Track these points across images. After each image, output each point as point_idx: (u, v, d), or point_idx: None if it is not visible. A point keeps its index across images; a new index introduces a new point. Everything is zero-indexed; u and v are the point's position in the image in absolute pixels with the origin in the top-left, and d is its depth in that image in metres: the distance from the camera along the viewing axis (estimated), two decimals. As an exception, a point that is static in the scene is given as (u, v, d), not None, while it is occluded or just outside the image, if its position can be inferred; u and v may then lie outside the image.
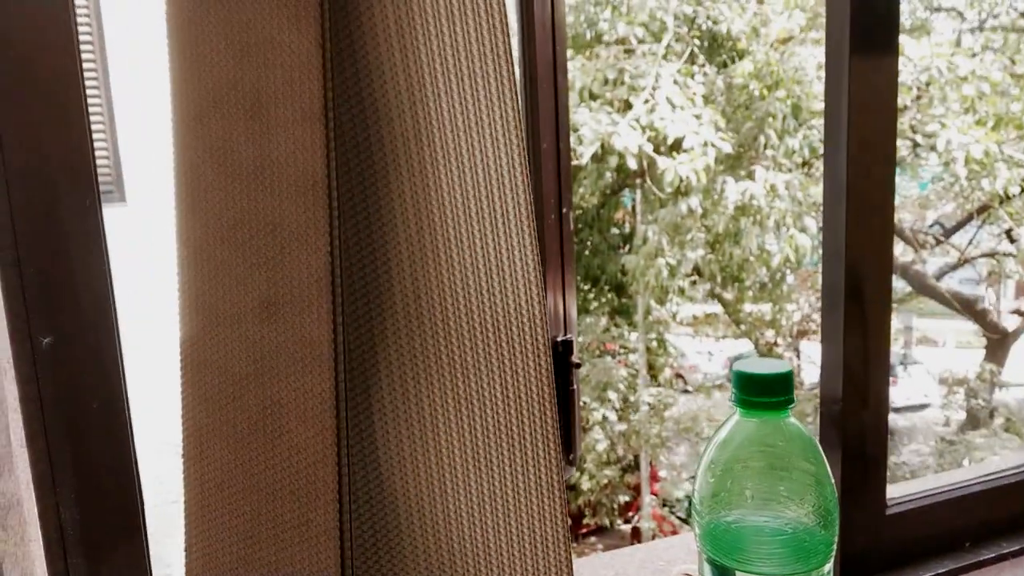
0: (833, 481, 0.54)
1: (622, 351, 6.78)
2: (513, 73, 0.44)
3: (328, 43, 0.42)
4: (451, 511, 0.45)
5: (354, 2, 0.43)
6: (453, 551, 0.45)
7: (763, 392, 0.53)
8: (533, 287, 0.45)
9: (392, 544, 0.45)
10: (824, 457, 0.55)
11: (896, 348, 7.67)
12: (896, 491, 0.88)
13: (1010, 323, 6.61)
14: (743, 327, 6.75)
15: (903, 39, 5.16)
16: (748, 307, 6.51)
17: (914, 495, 0.89)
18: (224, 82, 0.44)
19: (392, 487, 0.44)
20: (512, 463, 0.46)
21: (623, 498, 6.34)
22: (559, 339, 1.17)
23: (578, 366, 1.20)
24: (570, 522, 0.48)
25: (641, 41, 5.42)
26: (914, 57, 4.97)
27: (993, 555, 0.89)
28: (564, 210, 1.16)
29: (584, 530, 6.40)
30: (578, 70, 5.52)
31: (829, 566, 0.54)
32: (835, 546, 0.54)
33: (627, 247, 6.39)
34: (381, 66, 0.43)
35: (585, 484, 6.02)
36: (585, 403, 6.09)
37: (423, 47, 0.43)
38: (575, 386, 1.19)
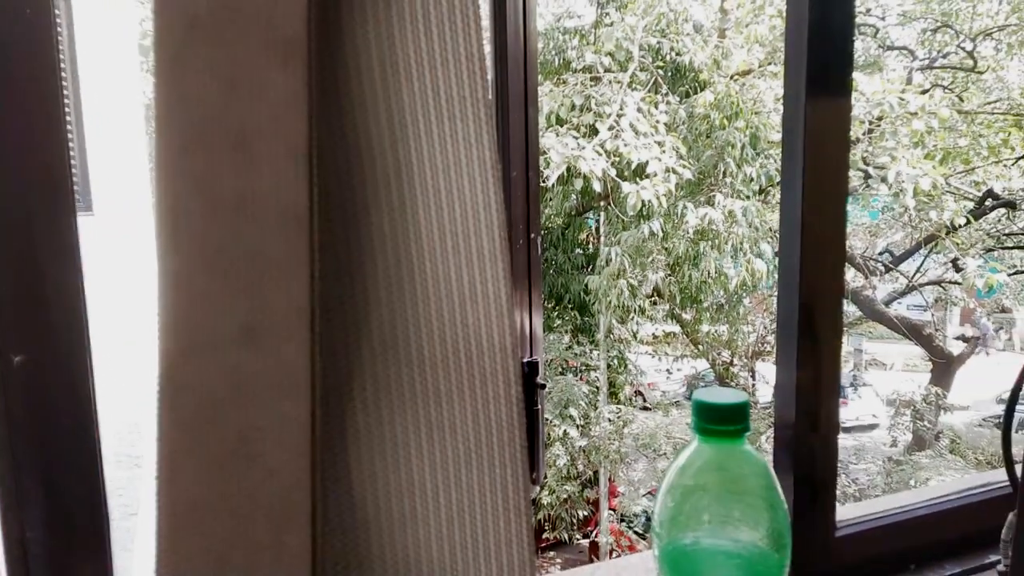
0: (785, 506, 0.57)
1: (584, 368, 6.84)
2: (491, 115, 0.46)
3: (314, 81, 0.44)
4: (421, 534, 0.46)
5: (340, 44, 0.45)
6: (422, 573, 0.47)
7: (721, 420, 0.56)
8: (505, 319, 0.47)
9: (363, 566, 0.46)
10: (777, 483, 0.58)
11: (846, 370, 7.88)
12: (845, 513, 0.92)
13: (955, 348, 6.84)
14: (701, 347, 6.86)
15: (857, 75, 5.35)
16: (706, 327, 6.62)
17: (862, 518, 0.93)
18: (210, 116, 0.46)
19: (364, 510, 0.46)
20: (481, 487, 0.47)
21: (582, 513, 6.37)
22: (525, 360, 1.19)
23: (543, 387, 1.22)
24: (535, 547, 0.50)
25: (608, 70, 5.53)
26: (867, 92, 5.16)
27: (936, 576, 0.93)
28: (532, 235, 1.19)
29: (543, 544, 6.41)
30: (546, 95, 5.61)
31: (781, 587, 0.57)
32: (787, 569, 0.57)
33: (590, 267, 6.47)
34: (364, 105, 0.45)
35: (545, 499, 6.03)
36: (547, 419, 6.11)
37: (405, 88, 0.45)
38: (540, 406, 1.21)
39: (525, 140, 1.14)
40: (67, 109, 0.61)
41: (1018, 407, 0.74)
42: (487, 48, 1.16)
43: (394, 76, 0.45)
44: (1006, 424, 0.78)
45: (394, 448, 0.46)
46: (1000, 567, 0.76)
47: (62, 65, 0.62)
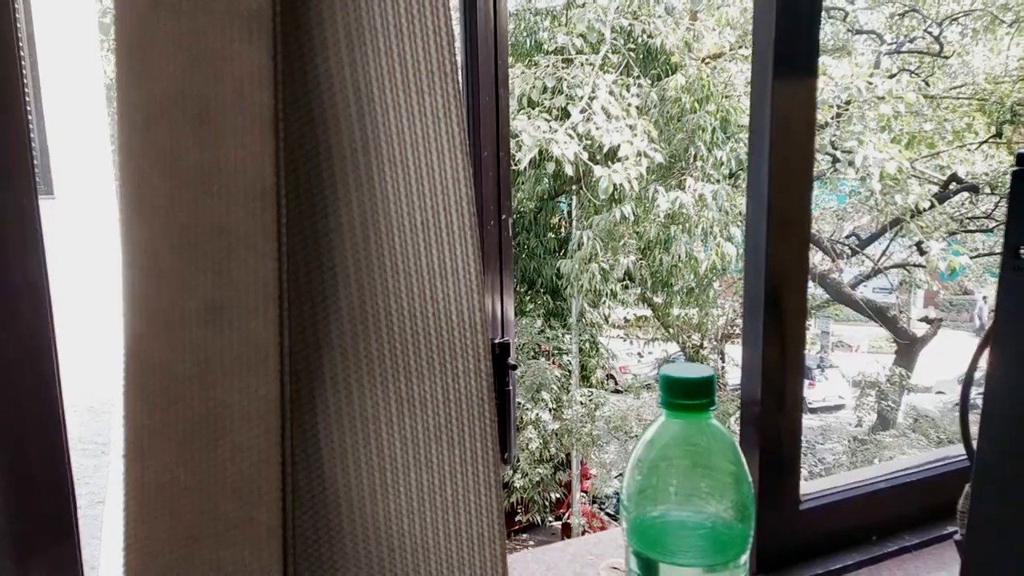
0: (750, 478, 0.58)
1: (556, 352, 6.87)
2: (459, 90, 0.46)
3: (279, 54, 0.43)
4: (391, 508, 0.47)
5: (306, 16, 0.44)
6: (393, 547, 0.47)
7: (687, 395, 0.57)
8: (475, 294, 0.47)
9: (334, 541, 0.46)
10: (742, 456, 0.59)
11: (814, 352, 8.03)
12: (809, 488, 0.94)
13: (919, 329, 7.00)
14: (671, 330, 6.94)
15: (826, 59, 5.41)
16: (676, 311, 6.69)
17: (825, 492, 0.95)
18: (173, 89, 0.45)
19: (335, 486, 0.46)
20: (451, 462, 0.48)
21: (555, 495, 6.43)
22: (496, 341, 1.20)
23: (514, 368, 1.23)
24: (504, 519, 0.50)
25: (579, 52, 5.52)
26: (836, 77, 5.22)
27: (896, 548, 0.95)
28: (503, 216, 1.19)
29: (516, 527, 6.46)
30: (518, 78, 5.58)
31: (745, 557, 0.58)
32: (751, 539, 0.58)
33: (563, 251, 6.49)
34: (331, 79, 0.45)
35: (518, 482, 6.07)
36: (519, 403, 6.14)
37: (372, 62, 0.45)
38: (511, 387, 1.22)
39: (496, 121, 1.13)
40: (26, 90, 0.59)
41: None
42: (457, 28, 1.15)
43: (361, 50, 0.44)
44: (963, 399, 0.80)
45: (364, 423, 0.46)
46: (957, 537, 0.78)
47: (20, 45, 0.61)
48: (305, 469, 0.45)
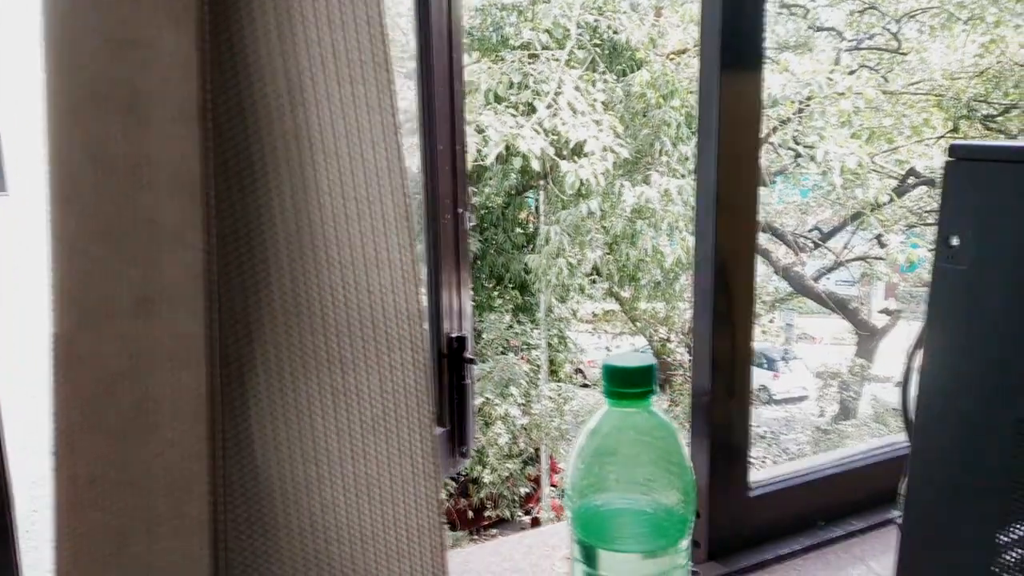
0: (690, 465, 0.59)
1: (525, 347, 6.89)
2: (392, 81, 0.46)
3: (207, 44, 0.43)
4: (327, 500, 0.47)
5: (235, 7, 0.44)
6: (329, 538, 0.47)
7: (628, 383, 0.58)
8: (411, 285, 0.47)
9: (268, 533, 0.46)
10: (682, 443, 0.60)
11: (778, 344, 8.15)
12: (758, 475, 0.96)
13: (879, 321, 7.15)
14: (639, 324, 6.99)
15: (788, 56, 5.48)
16: (643, 305, 6.74)
17: (774, 479, 0.97)
18: (100, 78, 0.44)
19: (268, 478, 0.46)
20: (388, 453, 0.48)
21: (524, 490, 6.45)
22: (454, 335, 1.20)
23: (472, 362, 1.23)
24: (445, 506, 0.50)
25: (545, 47, 5.53)
26: (797, 73, 5.29)
27: (843, 532, 0.98)
28: (460, 210, 1.19)
29: (485, 523, 6.47)
30: (484, 73, 5.57)
31: (686, 542, 0.59)
32: (692, 523, 0.59)
33: (531, 246, 6.50)
34: (261, 69, 0.44)
35: (487, 477, 6.08)
36: (488, 399, 6.14)
37: (303, 52, 0.44)
38: (469, 381, 1.22)
39: (451, 114, 1.13)
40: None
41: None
42: (410, 21, 1.15)
43: (291, 40, 0.44)
44: (904, 387, 0.82)
45: (298, 415, 0.46)
46: (898, 520, 0.80)
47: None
48: (237, 462, 0.45)
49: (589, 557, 0.57)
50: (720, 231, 0.87)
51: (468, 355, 1.21)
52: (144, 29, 0.43)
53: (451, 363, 1.18)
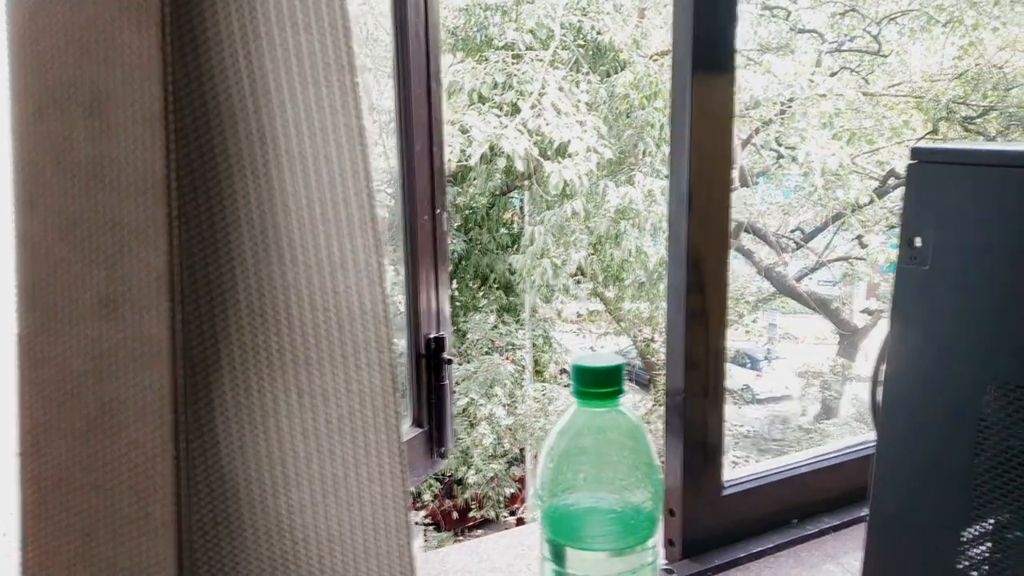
0: (658, 464, 0.60)
1: (509, 348, 6.89)
2: (358, 83, 0.46)
3: (168, 45, 0.43)
4: (294, 501, 0.47)
5: (199, 8, 0.44)
6: (296, 539, 0.47)
7: (595, 383, 0.58)
8: (377, 286, 0.47)
9: (234, 534, 0.46)
10: (650, 442, 0.60)
11: (761, 344, 8.21)
12: (732, 474, 0.97)
13: (860, 321, 7.22)
14: (623, 324, 7.01)
15: (769, 57, 5.52)
16: (628, 305, 6.77)
17: (748, 477, 0.98)
18: (64, 79, 0.44)
19: (234, 479, 0.46)
20: (355, 454, 0.48)
21: (509, 490, 6.45)
22: (432, 336, 1.20)
23: (450, 362, 1.23)
24: (411, 506, 0.51)
25: (529, 48, 5.53)
26: (779, 74, 5.33)
27: (816, 530, 0.99)
28: (437, 211, 1.19)
29: (471, 523, 6.47)
30: (468, 73, 5.57)
31: (654, 540, 0.60)
32: (660, 521, 0.60)
33: (516, 247, 6.50)
34: (225, 71, 0.44)
35: (472, 478, 6.07)
36: (473, 399, 6.14)
37: (267, 55, 0.44)
38: (447, 381, 1.22)
39: (428, 114, 1.13)
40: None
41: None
42: (388, 21, 1.15)
43: (256, 42, 0.44)
44: (873, 386, 0.83)
45: (264, 416, 0.46)
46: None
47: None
48: (203, 463, 0.45)
49: (558, 556, 0.58)
50: (693, 232, 0.88)
51: (446, 356, 1.21)
52: (107, 30, 0.43)
53: (429, 364, 1.18)
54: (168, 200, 0.43)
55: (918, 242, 0.62)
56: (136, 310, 0.43)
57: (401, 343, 1.22)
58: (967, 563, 0.63)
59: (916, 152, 0.62)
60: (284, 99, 0.45)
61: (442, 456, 1.22)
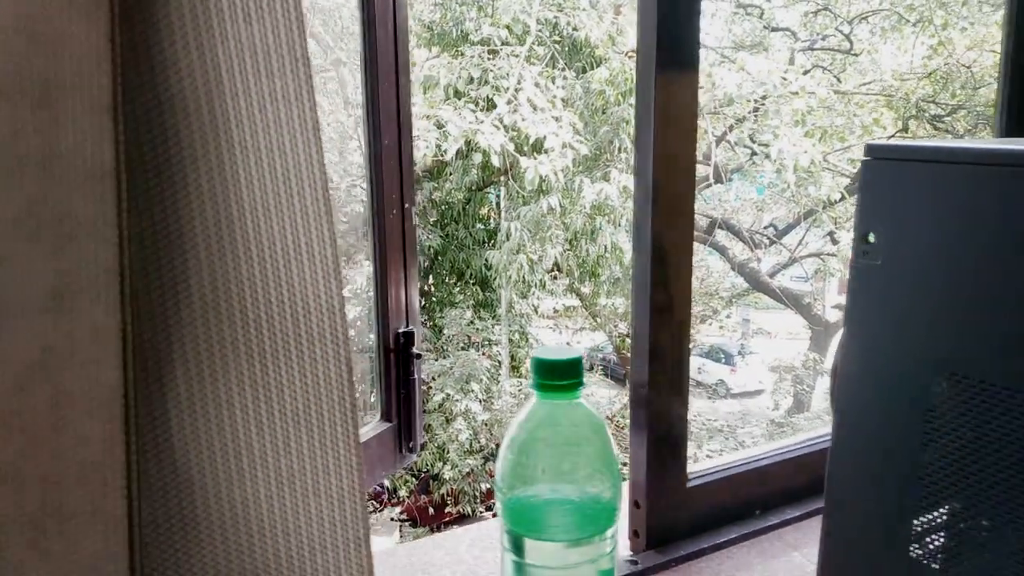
0: (616, 454, 0.61)
1: (486, 343, 6.89)
2: (310, 74, 0.46)
3: (119, 36, 0.42)
4: (249, 494, 0.47)
5: (150, 0, 0.44)
6: (252, 532, 0.47)
7: (555, 375, 0.59)
8: (332, 279, 0.47)
9: (188, 528, 0.46)
10: (609, 434, 0.61)
11: (734, 339, 8.30)
12: (696, 466, 0.98)
13: (832, 316, 7.32)
14: (599, 319, 7.05)
15: (743, 55, 5.57)
16: (603, 300, 6.80)
17: (712, 469, 0.99)
18: (12, 70, 0.44)
19: (188, 473, 0.45)
20: (311, 447, 0.48)
21: (485, 486, 6.46)
22: (401, 331, 1.20)
23: (419, 357, 1.23)
24: (367, 499, 0.51)
25: (505, 43, 5.53)
26: (753, 72, 5.38)
27: (779, 520, 1.00)
28: (406, 205, 1.19)
29: (447, 518, 6.47)
30: (444, 67, 5.55)
31: (612, 530, 0.60)
32: (619, 512, 0.61)
33: (492, 242, 6.50)
34: (177, 62, 0.44)
35: (448, 473, 6.07)
36: (449, 395, 6.13)
37: (220, 45, 0.44)
38: (416, 376, 1.23)
39: (397, 108, 1.13)
40: None
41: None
42: (356, 15, 1.14)
43: (208, 34, 0.44)
44: (833, 379, 0.85)
45: (218, 409, 0.46)
46: (826, 508, 0.83)
47: None
48: (155, 457, 0.45)
49: (517, 547, 0.58)
50: (657, 227, 0.89)
51: (415, 350, 1.21)
52: (56, 20, 0.43)
53: (398, 358, 1.18)
54: (118, 192, 0.42)
55: (872, 238, 0.63)
56: (86, 303, 0.43)
57: (371, 338, 1.22)
58: (921, 552, 0.64)
59: (870, 149, 0.64)
60: (237, 91, 0.45)
61: (411, 450, 1.22)
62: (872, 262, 0.63)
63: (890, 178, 0.63)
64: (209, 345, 0.45)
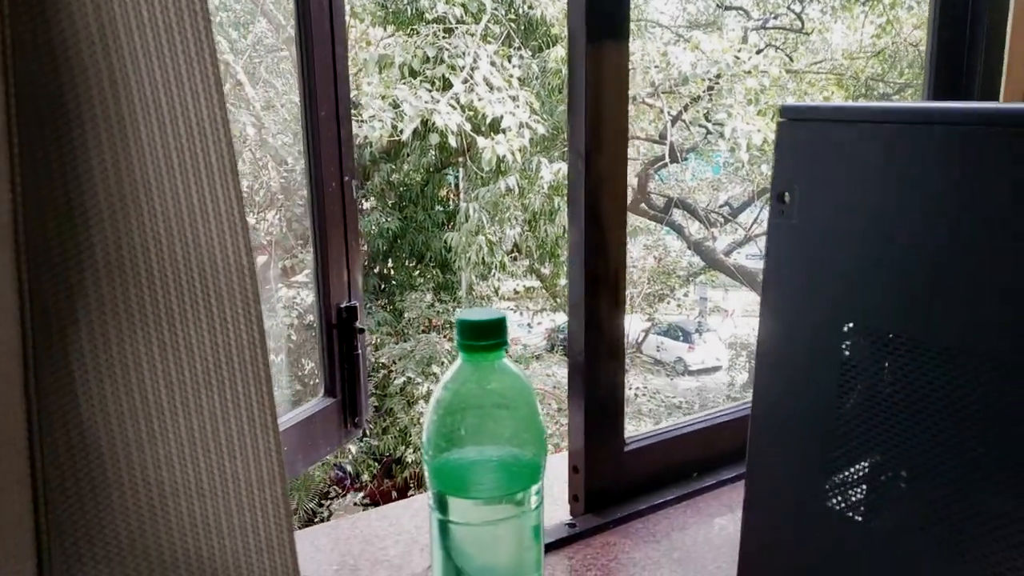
0: (539, 412, 0.62)
1: (447, 326, 6.88)
2: (211, 31, 0.45)
3: (6, -11, 0.41)
4: (160, 455, 0.46)
5: (38, -52, 0.42)
6: (164, 493, 0.47)
7: (479, 336, 0.59)
8: (239, 238, 0.47)
9: (97, 490, 0.45)
10: (533, 393, 0.62)
11: (692, 317, 8.42)
12: (634, 431, 1.00)
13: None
14: (559, 300, 7.08)
15: (697, 34, 5.61)
16: (563, 281, 6.83)
17: (649, 434, 1.01)
18: None
19: (95, 435, 0.45)
20: (223, 407, 0.48)
21: (447, 469, 6.47)
22: (343, 305, 1.19)
23: (362, 331, 1.23)
24: (284, 461, 0.51)
25: (460, 21, 5.48)
26: (707, 51, 5.42)
27: (714, 482, 1.03)
28: (346, 178, 1.18)
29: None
30: (399, 46, 5.48)
31: (537, 487, 0.61)
32: (542, 469, 0.62)
33: (451, 224, 6.48)
34: (72, 15, 0.43)
35: (410, 456, 6.07)
36: (410, 378, 6.12)
37: (116, 2, 0.43)
38: (360, 351, 1.22)
39: (333, 79, 1.12)
40: None
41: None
42: (289, -16, 1.12)
43: (103, -14, 0.43)
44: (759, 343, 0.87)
45: (124, 370, 0.45)
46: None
47: None
48: (61, 420, 0.44)
49: (442, 505, 0.59)
50: (591, 196, 0.90)
51: (359, 324, 1.21)
52: (-60, -29, 0.41)
53: (341, 333, 1.18)
54: (10, 148, 0.41)
55: (787, 198, 0.65)
56: (-21, 262, 0.42)
57: (313, 314, 1.21)
58: (843, 505, 0.66)
59: (784, 110, 0.65)
60: (136, 46, 0.44)
61: (356, 425, 1.22)
62: (787, 221, 0.64)
63: (804, 138, 0.64)
64: (114, 306, 0.45)
